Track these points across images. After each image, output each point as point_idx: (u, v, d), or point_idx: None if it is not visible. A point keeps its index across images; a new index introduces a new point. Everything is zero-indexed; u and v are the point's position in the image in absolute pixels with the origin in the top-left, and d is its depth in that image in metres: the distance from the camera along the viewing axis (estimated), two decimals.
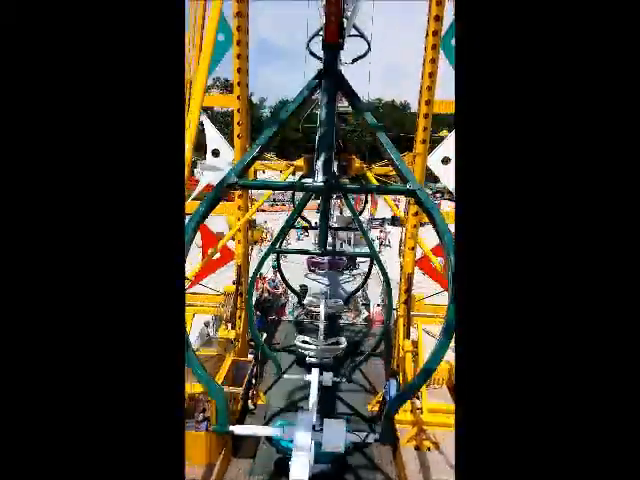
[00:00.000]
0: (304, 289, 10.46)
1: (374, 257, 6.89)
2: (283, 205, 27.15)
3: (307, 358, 6.69)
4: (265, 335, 9.04)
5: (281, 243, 5.75)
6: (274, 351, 8.24)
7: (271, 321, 10.15)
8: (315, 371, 5.48)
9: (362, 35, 8.23)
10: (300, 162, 6.48)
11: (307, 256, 11.90)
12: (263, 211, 25.41)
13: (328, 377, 5.68)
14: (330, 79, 3.44)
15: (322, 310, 7.45)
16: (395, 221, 24.51)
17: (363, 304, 11.26)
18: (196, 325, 7.29)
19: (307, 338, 7.00)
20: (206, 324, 8.49)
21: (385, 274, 6.45)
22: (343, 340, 7.02)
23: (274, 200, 28.66)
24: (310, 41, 5.76)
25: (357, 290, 9.95)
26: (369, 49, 6.02)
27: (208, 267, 6.82)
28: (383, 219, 25.41)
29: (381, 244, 20.55)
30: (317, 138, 3.42)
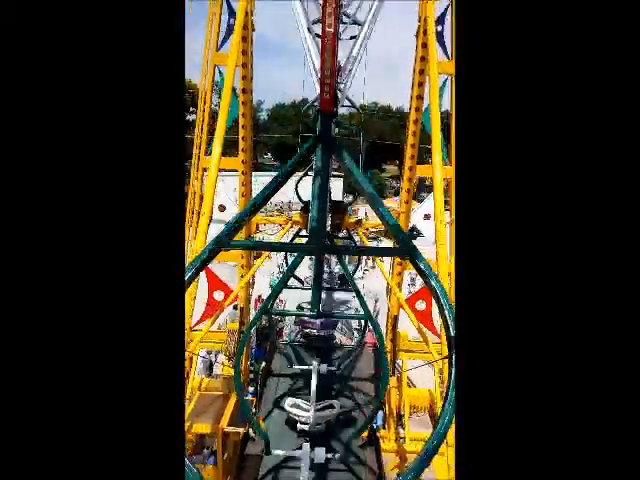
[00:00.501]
0: (301, 309, 10.96)
1: (369, 319, 6.21)
2: (282, 216, 27.47)
3: (298, 424, 6.47)
4: (264, 364, 9.68)
5: (272, 304, 5.74)
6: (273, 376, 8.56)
7: (270, 345, 10.67)
8: (306, 447, 5.30)
9: (354, 105, 8.89)
10: (297, 217, 7.17)
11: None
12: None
13: (320, 454, 5.40)
14: (324, 145, 3.59)
15: (314, 378, 6.74)
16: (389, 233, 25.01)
17: (355, 328, 11.92)
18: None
19: (298, 401, 6.77)
20: (208, 352, 9.17)
21: (380, 337, 5.87)
22: (337, 404, 6.92)
23: (269, 211, 29.05)
24: (305, 109, 6.36)
25: (351, 353, 9.28)
26: (362, 118, 6.64)
27: (213, 307, 7.51)
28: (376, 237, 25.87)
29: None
30: (311, 199, 3.52)
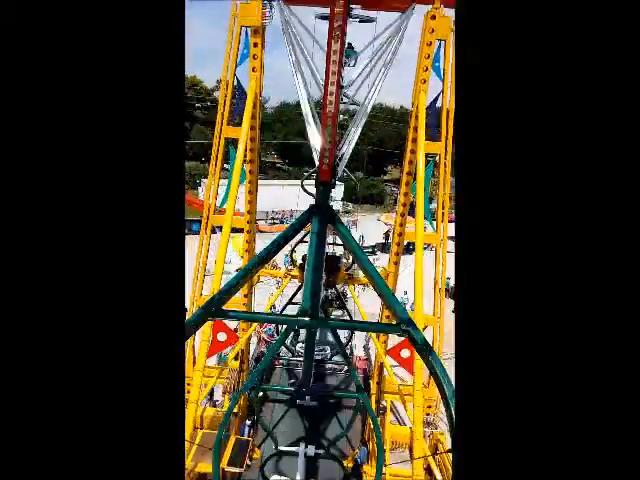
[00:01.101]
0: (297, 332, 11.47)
1: (361, 399, 5.38)
2: (282, 224, 28.01)
3: None
4: (261, 394, 10.32)
5: (260, 381, 5.66)
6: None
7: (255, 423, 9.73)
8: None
9: (351, 178, 9.40)
10: (296, 272, 7.86)
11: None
12: (261, 231, 26.55)
13: None
14: (322, 214, 3.67)
15: (300, 463, 6.29)
16: (385, 248, 25.51)
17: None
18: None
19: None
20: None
21: (374, 418, 5.47)
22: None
23: (272, 219, 29.61)
24: (304, 180, 6.87)
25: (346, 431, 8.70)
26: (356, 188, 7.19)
27: (216, 347, 8.26)
28: (373, 247, 26.39)
29: None
30: (306, 269, 3.49)
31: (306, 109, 6.71)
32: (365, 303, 16.16)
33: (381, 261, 22.17)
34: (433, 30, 6.58)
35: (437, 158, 7.21)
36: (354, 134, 6.95)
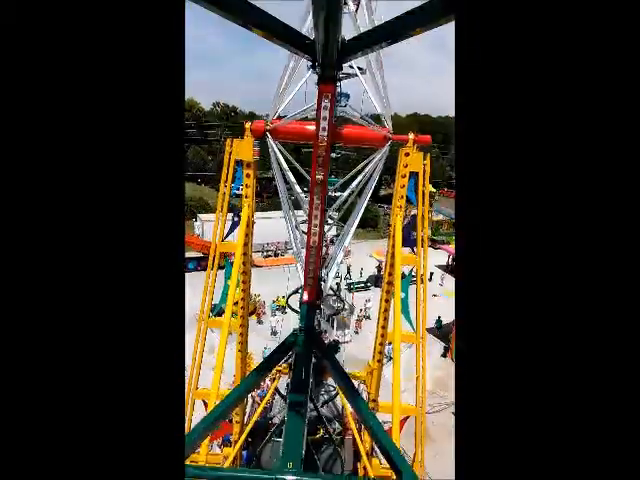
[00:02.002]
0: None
1: None
2: (276, 257, 28.51)
3: None
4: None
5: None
6: None
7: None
8: None
9: (338, 295, 9.77)
10: (285, 368, 8.51)
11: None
12: (256, 266, 27.04)
13: None
14: (307, 336, 3.76)
15: None
16: (378, 281, 26.05)
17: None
18: None
19: None
20: None
21: None
22: None
23: (267, 251, 30.09)
24: (289, 297, 7.40)
25: None
26: (344, 307, 7.48)
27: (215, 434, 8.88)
28: (365, 283, 27.06)
29: (360, 320, 21.65)
30: (287, 411, 3.41)
31: (292, 233, 7.43)
32: (356, 351, 16.86)
33: (374, 299, 22.69)
34: (407, 165, 7.34)
35: (414, 270, 7.92)
36: (338, 255, 7.68)
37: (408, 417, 8.05)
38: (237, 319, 8.51)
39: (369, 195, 7.68)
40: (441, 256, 30.20)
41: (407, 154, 7.29)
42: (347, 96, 7.62)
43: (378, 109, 7.44)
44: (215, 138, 56.34)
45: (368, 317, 21.37)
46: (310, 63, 4.94)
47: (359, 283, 25.53)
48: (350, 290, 23.47)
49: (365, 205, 7.82)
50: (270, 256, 29.26)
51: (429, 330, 20.08)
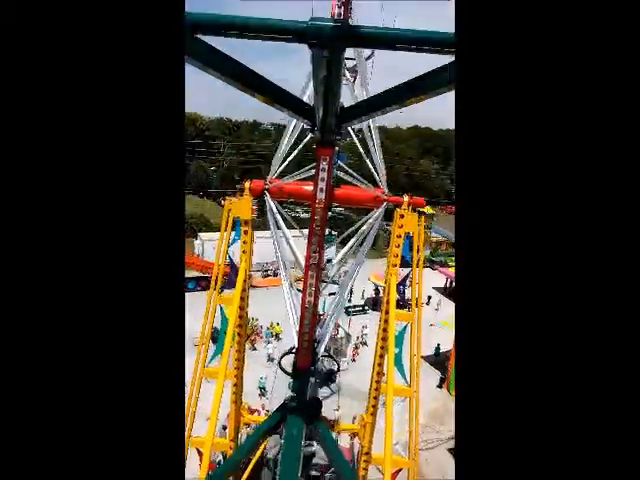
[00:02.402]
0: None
1: None
2: (275, 277, 28.42)
3: None
4: None
5: None
6: None
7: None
8: None
9: (332, 356, 9.61)
10: None
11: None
12: (254, 287, 27.01)
13: None
14: (298, 413, 3.80)
15: None
16: (376, 306, 25.95)
17: None
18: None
19: None
20: None
21: None
22: None
23: (265, 271, 30.05)
24: (282, 359, 7.40)
25: None
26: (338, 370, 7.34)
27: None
28: (363, 307, 26.79)
29: (357, 348, 21.61)
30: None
31: (287, 293, 7.51)
32: (353, 381, 16.74)
33: (372, 324, 23.26)
34: (402, 225, 7.48)
35: (409, 326, 8.02)
36: (333, 317, 7.76)
37: (401, 470, 8.08)
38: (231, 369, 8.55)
39: (365, 253, 7.80)
40: (439, 278, 30.32)
41: (402, 216, 7.44)
42: (344, 157, 7.80)
43: (372, 171, 7.62)
44: (218, 149, 56.88)
45: (365, 343, 21.28)
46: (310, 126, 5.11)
47: (356, 307, 25.48)
48: (348, 314, 23.47)
49: (362, 264, 7.93)
50: (269, 275, 29.28)
51: (425, 358, 20.08)
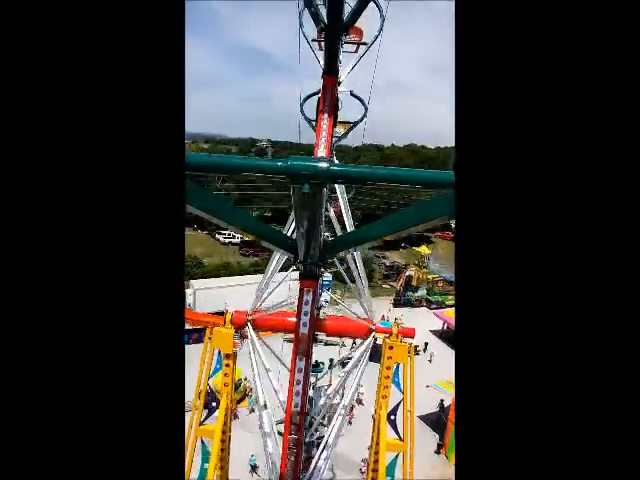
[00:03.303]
0: None
1: None
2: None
3: None
4: None
5: None
6: None
7: None
8: None
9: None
10: None
11: None
12: (245, 337, 26.46)
13: None
14: None
15: None
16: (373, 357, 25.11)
17: None
18: None
19: None
20: None
21: None
22: None
23: None
24: None
25: None
26: None
27: None
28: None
29: (352, 408, 20.88)
30: None
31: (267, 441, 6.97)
32: (348, 449, 15.64)
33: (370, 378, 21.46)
34: (391, 357, 7.13)
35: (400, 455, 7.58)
36: (324, 453, 7.28)
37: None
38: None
39: (355, 387, 7.44)
40: (437, 321, 29.79)
41: (391, 347, 7.09)
42: (328, 287, 7.54)
43: (359, 302, 7.34)
44: (214, 177, 57.05)
45: (360, 402, 20.67)
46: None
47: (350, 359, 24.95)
48: (344, 365, 22.83)
49: (353, 396, 7.56)
50: None
51: (422, 417, 19.43)
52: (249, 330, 7.10)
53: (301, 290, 6.09)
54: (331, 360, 16.32)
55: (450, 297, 34.91)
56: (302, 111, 6.74)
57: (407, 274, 34.36)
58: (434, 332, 30.07)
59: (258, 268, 36.03)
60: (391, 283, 40.02)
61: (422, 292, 34.34)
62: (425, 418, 20.13)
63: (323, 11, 4.48)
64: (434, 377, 20.55)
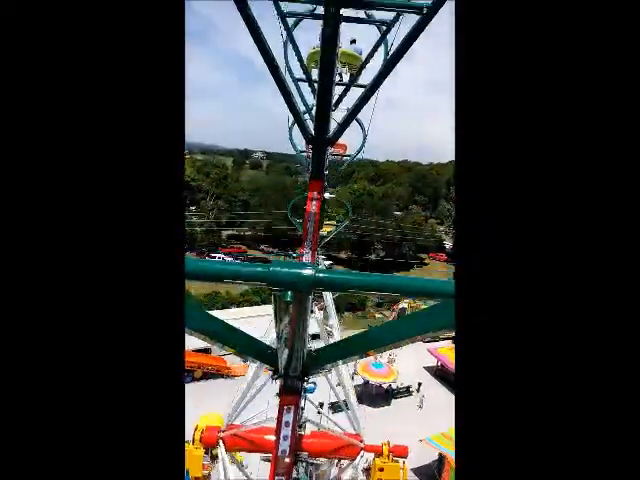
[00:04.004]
0: None
1: None
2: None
3: None
4: None
5: None
6: None
7: None
8: None
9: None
10: None
11: None
12: (234, 376, 25.50)
13: None
14: None
15: None
16: (368, 399, 24.53)
17: None
18: None
19: None
20: None
21: None
22: None
23: None
24: None
25: None
26: None
27: None
28: (407, 388, 25.46)
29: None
30: None
31: None
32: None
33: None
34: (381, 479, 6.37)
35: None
36: None
37: None
38: None
39: None
40: (431, 357, 28.92)
41: (381, 469, 6.32)
42: (312, 390, 6.87)
43: (346, 414, 6.62)
44: (203, 198, 56.43)
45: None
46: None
47: (400, 389, 24.07)
48: (335, 410, 21.96)
49: None
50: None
51: (414, 470, 18.48)
52: (220, 451, 6.30)
53: (281, 408, 5.39)
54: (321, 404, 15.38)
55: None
56: (291, 138, 7.17)
57: (400, 307, 33.66)
58: (428, 369, 29.25)
59: (248, 297, 35.13)
60: (384, 312, 39.24)
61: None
62: (418, 472, 19.21)
63: (311, 124, 4.68)
64: (428, 425, 19.62)
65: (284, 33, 6.49)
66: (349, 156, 7.14)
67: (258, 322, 21.23)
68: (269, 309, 6.77)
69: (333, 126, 4.57)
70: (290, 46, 7.12)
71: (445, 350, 27.66)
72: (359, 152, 7.59)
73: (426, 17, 3.08)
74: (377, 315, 38.88)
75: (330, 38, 3.23)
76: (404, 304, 33.86)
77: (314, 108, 4.16)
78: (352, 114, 4.19)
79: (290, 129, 7.30)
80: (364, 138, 7.24)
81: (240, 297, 34.96)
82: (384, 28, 6.50)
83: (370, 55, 6.86)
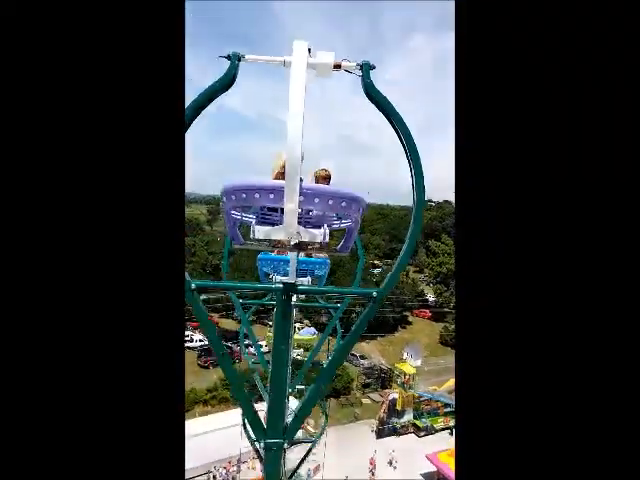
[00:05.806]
0: None
1: None
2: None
3: None
4: None
5: None
6: None
7: None
8: None
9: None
10: None
11: None
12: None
13: None
14: None
15: None
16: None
17: None
18: None
19: None
20: None
21: None
22: None
23: (214, 477, 24.06)
24: None
25: None
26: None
27: None
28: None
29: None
30: None
31: None
32: None
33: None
34: None
35: None
36: None
37: None
38: None
39: None
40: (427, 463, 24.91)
41: None
42: None
43: None
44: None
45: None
46: None
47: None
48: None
49: None
50: None
51: None
52: None
53: None
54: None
55: (440, 419, 30.39)
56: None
57: (390, 397, 29.86)
58: (426, 476, 25.22)
59: (215, 393, 30.31)
60: (371, 396, 35.08)
61: (408, 416, 29.70)
62: None
63: None
64: None
65: None
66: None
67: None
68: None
69: None
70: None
71: (445, 458, 23.79)
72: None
73: (376, 301, 3.05)
74: (364, 400, 34.64)
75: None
76: (395, 394, 30.10)
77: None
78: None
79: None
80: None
81: (206, 394, 30.15)
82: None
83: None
